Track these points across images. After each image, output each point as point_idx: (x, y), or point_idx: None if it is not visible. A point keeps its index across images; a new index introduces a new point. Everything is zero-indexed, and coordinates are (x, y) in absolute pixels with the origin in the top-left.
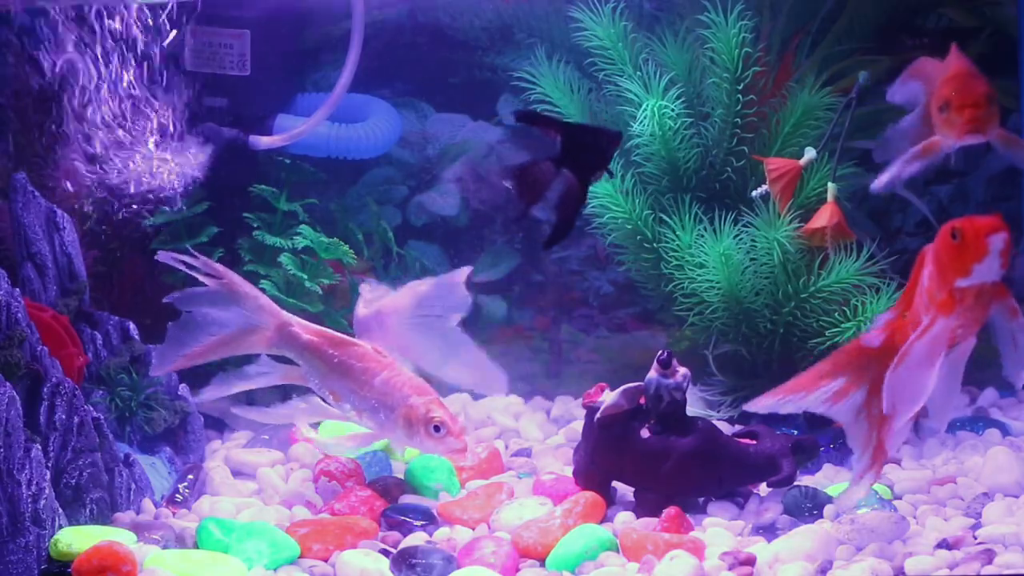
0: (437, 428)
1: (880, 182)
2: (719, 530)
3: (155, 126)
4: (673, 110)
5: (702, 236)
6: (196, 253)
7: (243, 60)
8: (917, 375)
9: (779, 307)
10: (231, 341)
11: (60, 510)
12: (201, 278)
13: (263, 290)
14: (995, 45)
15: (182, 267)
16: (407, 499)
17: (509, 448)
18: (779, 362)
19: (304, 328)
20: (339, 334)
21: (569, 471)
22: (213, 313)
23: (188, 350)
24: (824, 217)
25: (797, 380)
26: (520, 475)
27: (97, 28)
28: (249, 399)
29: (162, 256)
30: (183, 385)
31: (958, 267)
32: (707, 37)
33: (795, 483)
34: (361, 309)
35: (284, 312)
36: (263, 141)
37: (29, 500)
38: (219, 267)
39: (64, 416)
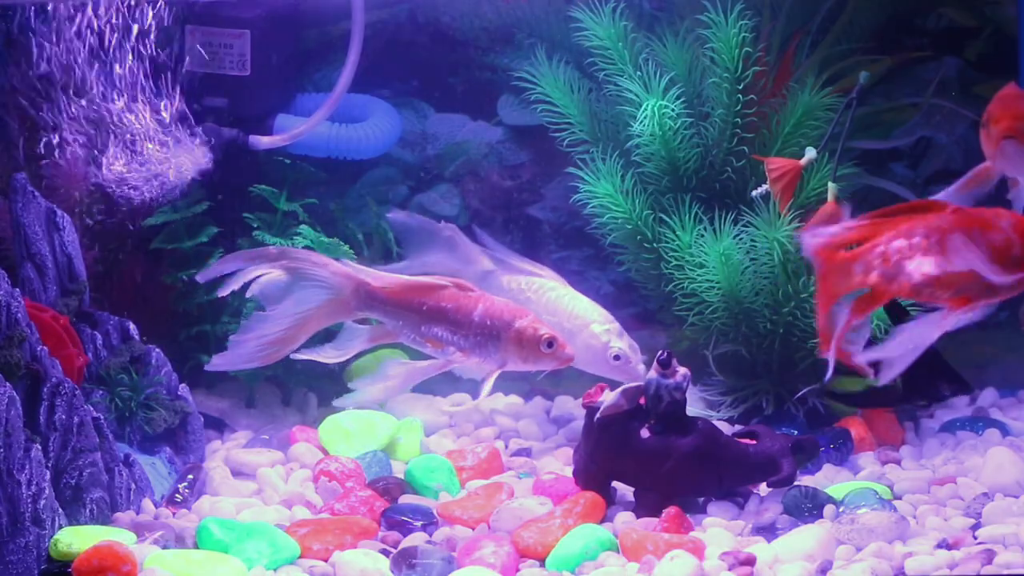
0: (549, 343)
1: None
2: (719, 530)
3: (156, 126)
4: (673, 110)
5: (702, 236)
6: (229, 259)
7: (243, 60)
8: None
9: (779, 307)
10: (311, 319)
11: (60, 510)
12: (254, 273)
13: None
14: (995, 45)
15: (229, 269)
16: (407, 499)
17: (509, 448)
18: (779, 362)
19: (381, 284)
20: (418, 280)
21: (569, 471)
22: (283, 297)
23: (266, 340)
24: (824, 217)
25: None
26: (520, 475)
27: (97, 27)
28: (249, 400)
29: (203, 276)
30: (183, 385)
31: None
32: (707, 37)
33: (795, 483)
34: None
35: (358, 273)
36: (263, 141)
37: (29, 500)
38: (271, 249)
39: (64, 416)
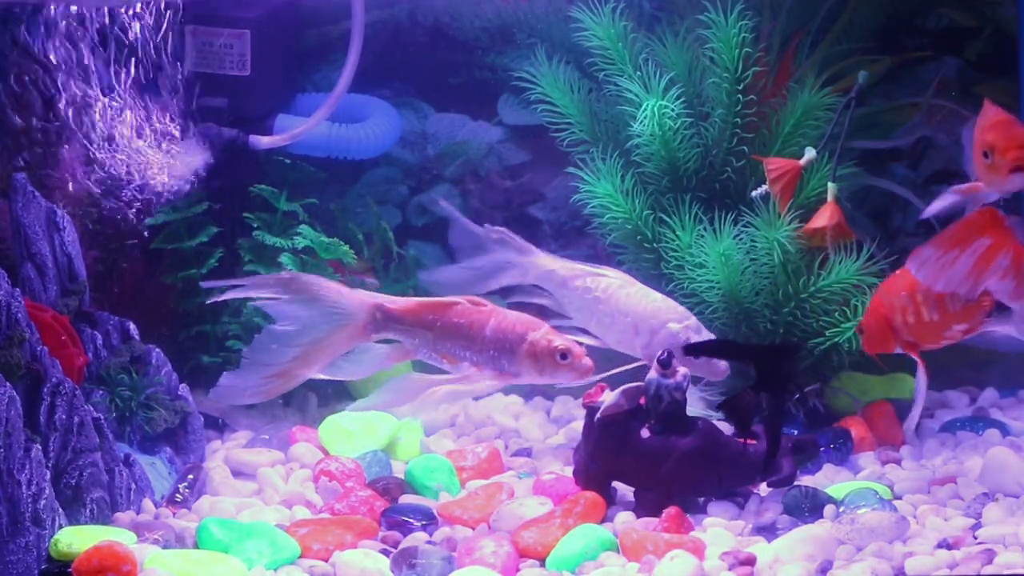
0: (563, 355)
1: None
2: (719, 530)
3: (155, 126)
4: (673, 110)
5: (702, 236)
6: (239, 282)
7: (243, 60)
8: None
9: (779, 307)
10: (326, 346)
11: (60, 510)
12: (265, 297)
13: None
14: (995, 45)
15: (240, 295)
16: (407, 499)
17: (509, 448)
18: None
19: (395, 305)
20: (430, 299)
21: (569, 471)
22: (293, 324)
23: (277, 370)
24: (824, 217)
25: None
26: (520, 475)
27: (97, 27)
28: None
29: (207, 284)
30: (183, 385)
31: None
32: (707, 37)
33: (795, 483)
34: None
35: (370, 296)
36: (263, 141)
37: (29, 500)
38: (282, 276)
39: (64, 416)
